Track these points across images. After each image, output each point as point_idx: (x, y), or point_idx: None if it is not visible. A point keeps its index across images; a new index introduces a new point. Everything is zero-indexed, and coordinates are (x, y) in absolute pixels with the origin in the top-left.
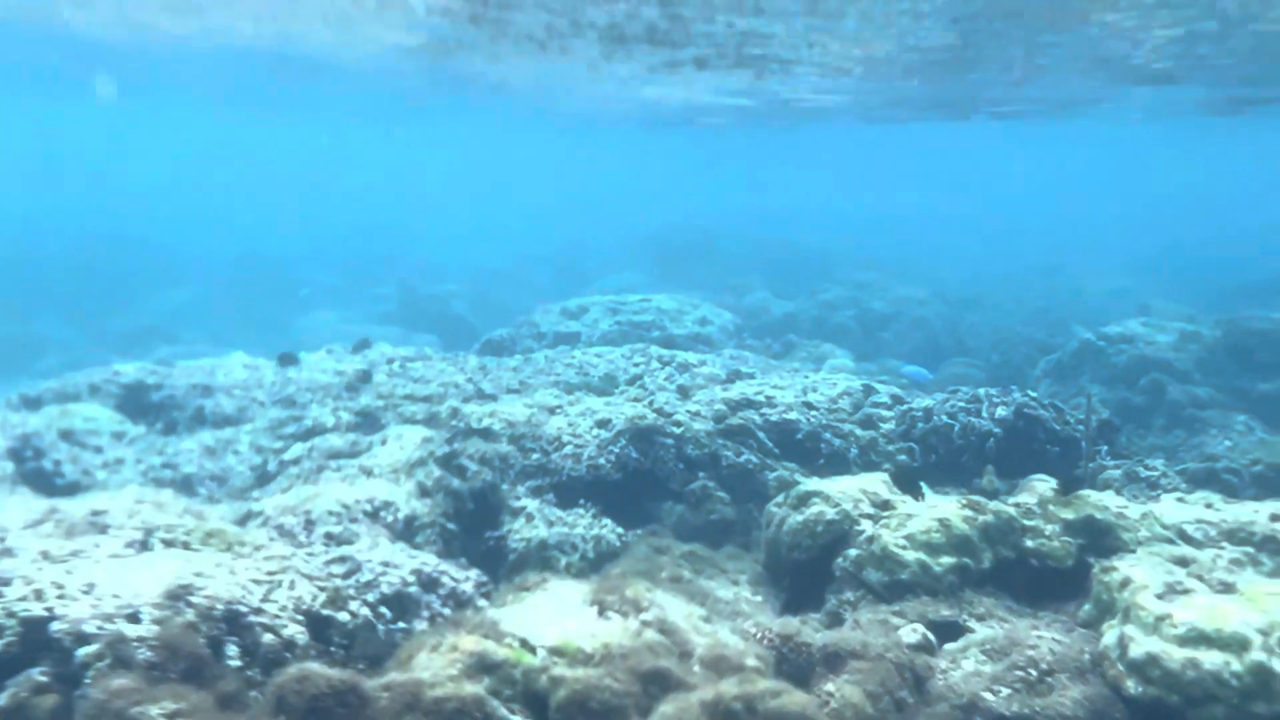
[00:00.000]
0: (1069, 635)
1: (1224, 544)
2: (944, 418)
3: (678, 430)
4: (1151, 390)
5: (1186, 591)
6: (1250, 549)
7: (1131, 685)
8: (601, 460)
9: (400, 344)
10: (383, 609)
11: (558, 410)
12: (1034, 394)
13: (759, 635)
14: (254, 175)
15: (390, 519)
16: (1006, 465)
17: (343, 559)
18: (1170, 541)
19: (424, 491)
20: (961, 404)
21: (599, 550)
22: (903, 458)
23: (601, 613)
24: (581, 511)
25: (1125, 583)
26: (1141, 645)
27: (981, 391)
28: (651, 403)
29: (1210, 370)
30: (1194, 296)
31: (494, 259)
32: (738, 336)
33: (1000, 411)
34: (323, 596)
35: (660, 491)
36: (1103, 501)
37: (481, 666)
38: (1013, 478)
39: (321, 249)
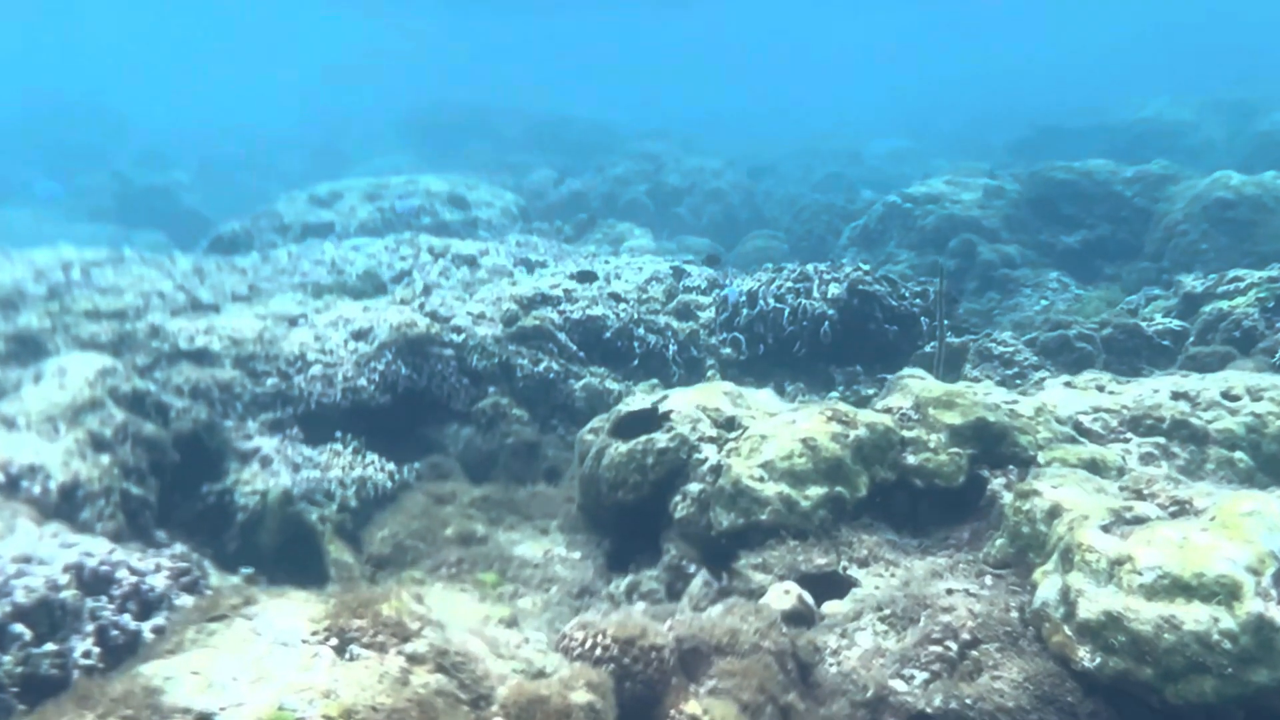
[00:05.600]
0: (984, 585)
1: (1129, 435)
2: (771, 301)
3: (458, 338)
4: (963, 252)
5: (1139, 519)
6: (1161, 439)
7: (1086, 656)
8: (362, 381)
9: (118, 245)
10: (16, 628)
11: (301, 320)
12: (865, 266)
13: (588, 643)
14: None
15: (37, 490)
16: (843, 350)
17: None
18: (1072, 440)
19: (98, 444)
20: (790, 283)
21: (364, 496)
22: (727, 350)
23: (343, 650)
24: (339, 448)
25: (1054, 512)
26: (1095, 601)
27: (810, 268)
28: (423, 305)
29: (1016, 226)
30: (969, 154)
31: (235, 144)
32: (523, 220)
33: (833, 290)
34: None
35: (442, 413)
36: (990, 397)
37: None
38: (849, 364)
39: (14, 135)
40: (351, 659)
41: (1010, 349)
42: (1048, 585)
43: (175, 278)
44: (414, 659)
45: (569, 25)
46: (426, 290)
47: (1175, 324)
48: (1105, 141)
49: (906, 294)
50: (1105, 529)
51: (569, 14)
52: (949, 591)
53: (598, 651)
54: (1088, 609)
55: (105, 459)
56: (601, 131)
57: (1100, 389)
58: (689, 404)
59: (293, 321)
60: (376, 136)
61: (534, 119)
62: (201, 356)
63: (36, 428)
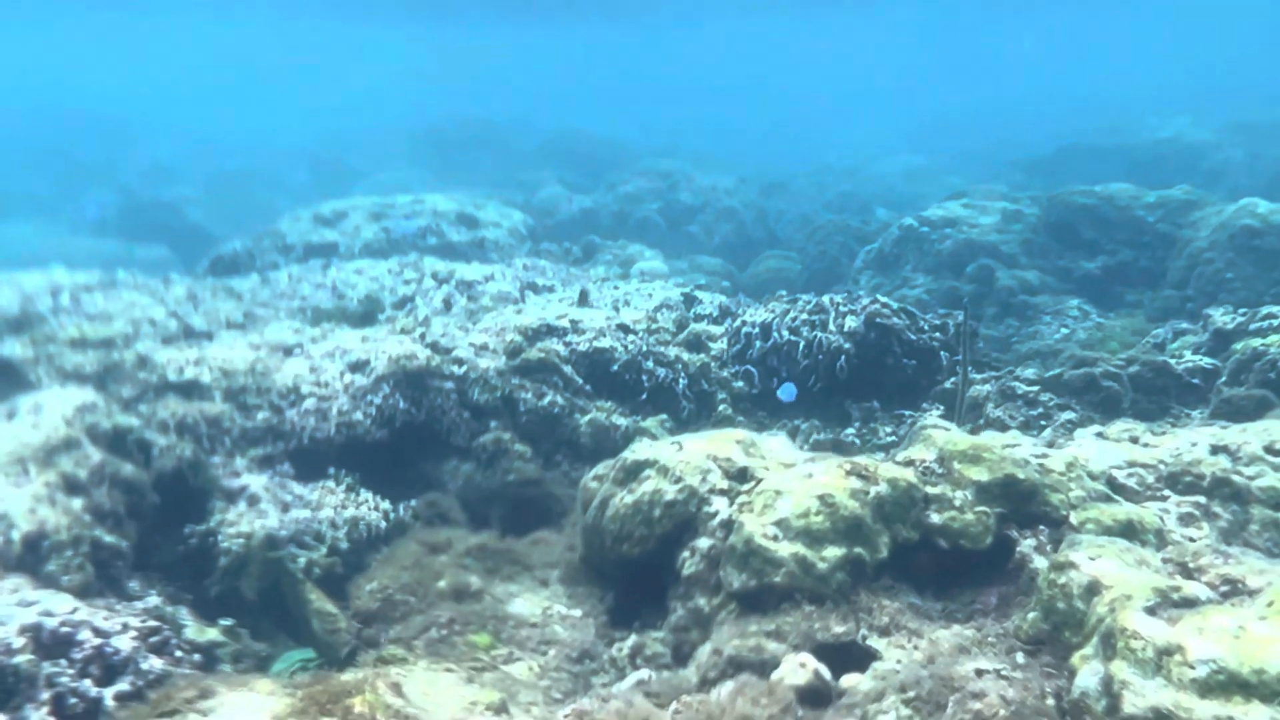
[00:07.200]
0: (1016, 664)
1: (1167, 492)
2: (786, 333)
3: (459, 370)
4: (980, 277)
5: (1189, 601)
6: (1201, 497)
7: None
8: (358, 415)
9: (120, 261)
10: None
11: (296, 350)
12: (884, 298)
13: None
14: None
15: None
16: (860, 385)
17: None
18: (1106, 498)
19: (70, 488)
20: (805, 315)
21: (356, 537)
22: (739, 384)
23: None
24: (331, 485)
25: (1093, 588)
26: (1142, 695)
27: (826, 299)
28: (424, 335)
29: (1036, 251)
30: (985, 172)
31: (241, 158)
32: (531, 240)
33: (850, 323)
34: None
35: (441, 448)
36: (1018, 451)
37: None
38: (865, 399)
39: (17, 147)
40: None
41: (1035, 388)
42: (1087, 672)
43: (168, 304)
44: None
45: (581, 41)
46: (427, 320)
47: (1206, 362)
48: (1124, 161)
49: (926, 327)
50: (1151, 611)
51: (581, 30)
52: (979, 673)
53: None
54: (1134, 703)
55: (77, 504)
56: (613, 147)
57: (1134, 440)
58: (699, 453)
59: (288, 351)
60: (385, 150)
61: (545, 134)
62: (190, 389)
63: (4, 470)
